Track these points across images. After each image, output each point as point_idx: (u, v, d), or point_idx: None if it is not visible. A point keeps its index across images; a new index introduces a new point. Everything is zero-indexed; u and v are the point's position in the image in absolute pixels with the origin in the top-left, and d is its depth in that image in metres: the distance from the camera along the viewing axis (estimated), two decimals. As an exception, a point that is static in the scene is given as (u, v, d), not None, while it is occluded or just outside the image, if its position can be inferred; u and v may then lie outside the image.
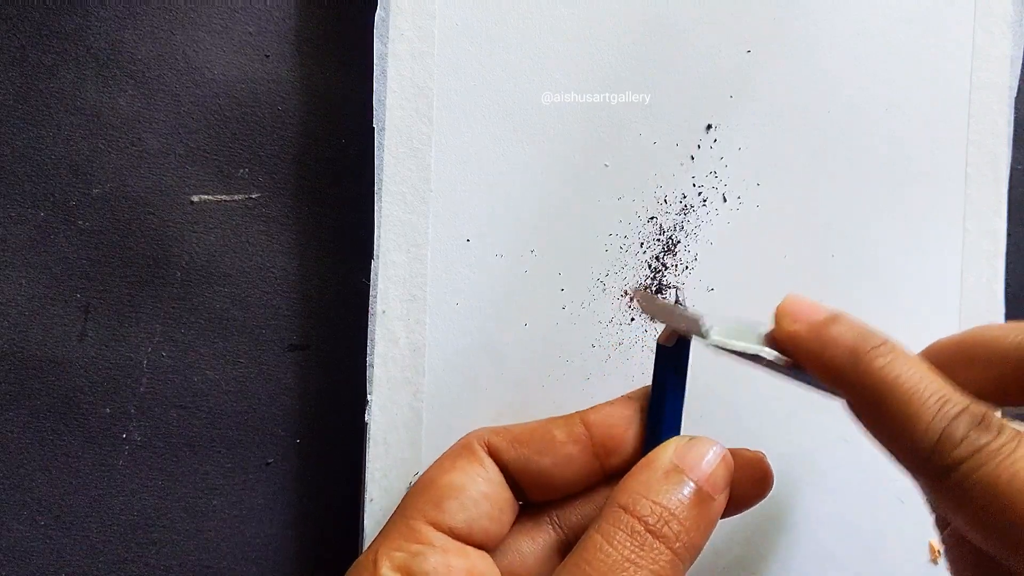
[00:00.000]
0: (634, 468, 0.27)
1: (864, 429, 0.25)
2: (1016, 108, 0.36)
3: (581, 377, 0.33)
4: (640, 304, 0.29)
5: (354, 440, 0.33)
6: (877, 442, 0.25)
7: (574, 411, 0.30)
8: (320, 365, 0.33)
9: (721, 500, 0.26)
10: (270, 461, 0.33)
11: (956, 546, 0.28)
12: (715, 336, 0.27)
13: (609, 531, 0.25)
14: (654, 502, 0.25)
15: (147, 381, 0.32)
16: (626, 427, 0.29)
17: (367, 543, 0.32)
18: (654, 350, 0.30)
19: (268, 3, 0.33)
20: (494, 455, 0.29)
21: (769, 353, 0.27)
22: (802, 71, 0.35)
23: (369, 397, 0.32)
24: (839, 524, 0.35)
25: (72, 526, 0.32)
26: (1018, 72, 0.36)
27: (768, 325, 0.28)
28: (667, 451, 0.27)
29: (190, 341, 0.32)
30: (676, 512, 0.25)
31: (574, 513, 0.30)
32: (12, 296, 0.31)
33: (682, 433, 0.29)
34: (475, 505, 0.28)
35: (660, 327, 0.31)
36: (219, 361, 0.33)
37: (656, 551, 0.24)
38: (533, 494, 0.30)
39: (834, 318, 0.26)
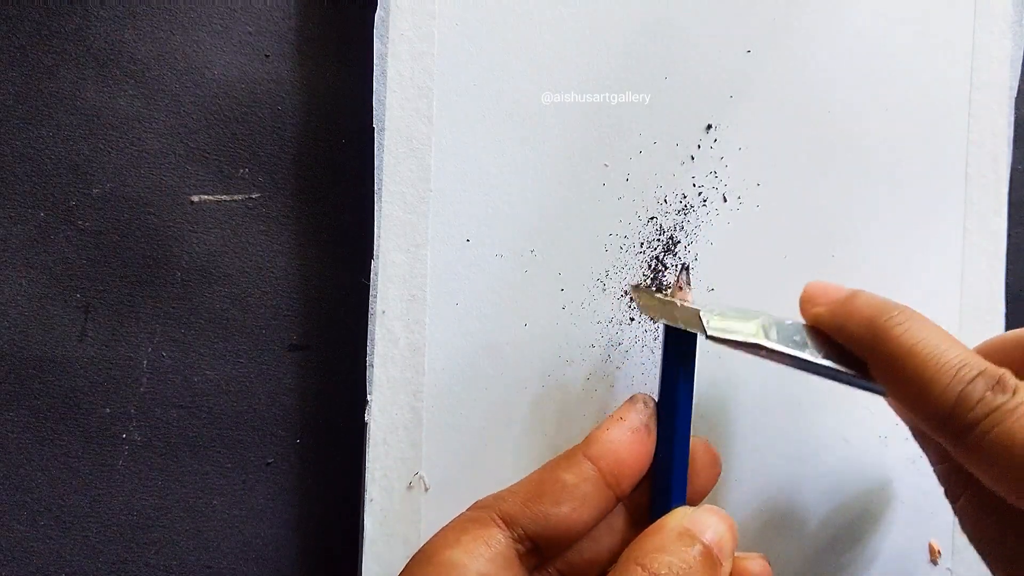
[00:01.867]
0: (647, 530, 0.27)
1: (889, 394, 0.27)
2: (1016, 108, 0.36)
3: (581, 377, 0.33)
4: (638, 301, 0.29)
5: (354, 440, 0.33)
6: (901, 406, 0.27)
7: (573, 446, 0.30)
8: (320, 365, 0.33)
9: (727, 568, 0.27)
10: (270, 461, 0.33)
11: (970, 514, 0.30)
12: (714, 330, 0.28)
13: None
14: (669, 559, 0.25)
15: (147, 381, 0.32)
16: (629, 448, 0.29)
17: (367, 543, 0.32)
18: (663, 337, 0.30)
19: (268, 3, 0.33)
20: (510, 524, 0.28)
21: (769, 343, 0.28)
22: (802, 71, 0.35)
23: (369, 397, 0.32)
24: (839, 524, 0.35)
25: (72, 526, 0.32)
26: (1018, 72, 0.36)
27: (767, 313, 0.29)
28: (676, 516, 0.27)
29: (190, 341, 0.32)
30: (688, 571, 0.25)
31: (580, 554, 0.30)
32: (12, 296, 0.31)
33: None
34: None
35: (662, 323, 0.31)
36: (219, 361, 0.33)
37: None
38: (555, 549, 0.28)
39: (853, 294, 0.28)
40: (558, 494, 0.28)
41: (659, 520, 0.27)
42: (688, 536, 0.26)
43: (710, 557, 0.26)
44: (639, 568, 0.25)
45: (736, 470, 0.34)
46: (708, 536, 0.26)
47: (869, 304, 0.27)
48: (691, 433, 0.30)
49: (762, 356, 0.28)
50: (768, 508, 0.35)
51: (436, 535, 0.28)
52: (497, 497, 0.29)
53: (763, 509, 0.35)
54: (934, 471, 0.31)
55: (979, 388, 0.24)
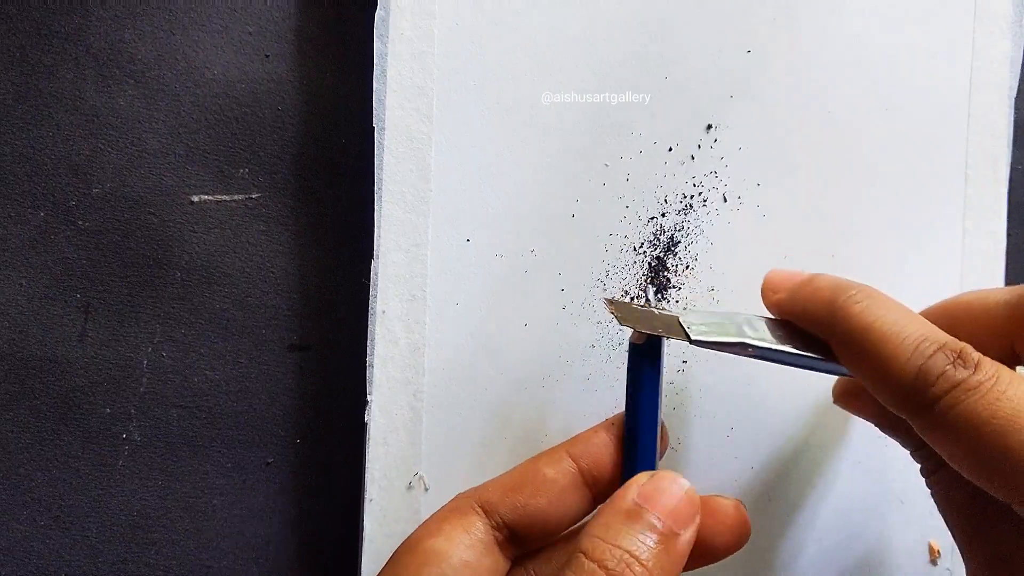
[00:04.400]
0: (598, 510, 0.27)
1: (851, 373, 0.27)
2: (1016, 108, 0.36)
3: (581, 377, 0.33)
4: (615, 313, 0.29)
5: (354, 440, 0.33)
6: (865, 384, 0.26)
7: (559, 443, 0.30)
8: (320, 365, 0.33)
9: (687, 536, 0.26)
10: (270, 461, 0.33)
11: (942, 489, 0.29)
12: (697, 333, 0.28)
13: None
14: (614, 545, 0.25)
15: (147, 381, 0.32)
16: (610, 452, 0.29)
17: (366, 543, 0.32)
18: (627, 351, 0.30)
19: (268, 3, 0.33)
20: (489, 512, 0.28)
21: (752, 339, 0.28)
22: (802, 71, 0.35)
23: (369, 397, 0.32)
24: (839, 524, 0.35)
25: (72, 526, 0.32)
26: (1018, 72, 0.36)
27: (745, 313, 0.29)
28: (629, 490, 0.26)
29: (190, 341, 0.32)
30: (638, 554, 0.25)
31: (557, 556, 0.29)
32: (12, 296, 0.31)
33: (664, 436, 0.30)
34: (455, 573, 0.27)
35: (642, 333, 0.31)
36: (219, 361, 0.33)
37: None
38: (531, 541, 0.29)
39: (812, 278, 0.28)
40: (537, 487, 0.28)
41: (612, 496, 0.27)
42: (638, 513, 0.26)
43: (663, 533, 0.25)
44: (583, 557, 0.25)
45: (734, 472, 0.34)
46: (660, 508, 0.26)
47: (827, 285, 0.27)
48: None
49: (747, 355, 0.28)
50: (767, 508, 0.35)
51: (421, 525, 0.29)
52: (479, 487, 0.29)
53: (762, 509, 0.35)
54: (911, 455, 0.31)
55: (939, 362, 0.24)
